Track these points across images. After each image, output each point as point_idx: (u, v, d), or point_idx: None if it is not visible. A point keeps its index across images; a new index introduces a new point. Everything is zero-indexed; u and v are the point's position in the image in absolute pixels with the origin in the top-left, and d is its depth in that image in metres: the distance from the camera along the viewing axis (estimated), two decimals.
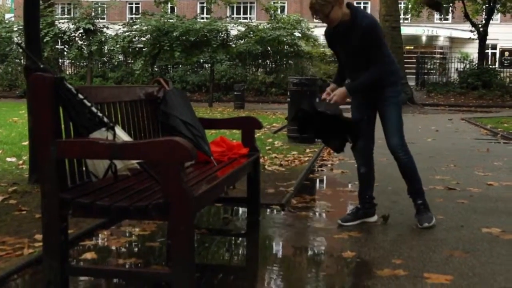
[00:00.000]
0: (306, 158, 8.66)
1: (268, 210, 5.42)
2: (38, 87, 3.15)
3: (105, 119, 3.31)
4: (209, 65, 25.30)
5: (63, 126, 3.25)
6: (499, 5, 31.72)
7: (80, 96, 3.22)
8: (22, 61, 27.65)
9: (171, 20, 24.67)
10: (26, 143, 8.25)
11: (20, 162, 7.67)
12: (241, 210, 5.44)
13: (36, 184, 5.80)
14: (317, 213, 5.50)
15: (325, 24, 4.68)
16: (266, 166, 7.69)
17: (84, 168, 3.42)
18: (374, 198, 5.02)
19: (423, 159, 8.62)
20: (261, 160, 6.74)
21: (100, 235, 4.52)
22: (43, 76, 3.15)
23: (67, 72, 32.65)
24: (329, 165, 8.41)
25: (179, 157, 2.94)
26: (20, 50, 22.40)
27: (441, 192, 6.32)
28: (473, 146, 11.12)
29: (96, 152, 3.12)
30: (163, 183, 3.02)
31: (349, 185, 6.82)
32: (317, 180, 7.50)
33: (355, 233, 4.64)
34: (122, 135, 3.38)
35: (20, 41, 25.36)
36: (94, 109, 3.28)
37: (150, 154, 3.04)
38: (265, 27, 27.56)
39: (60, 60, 31.69)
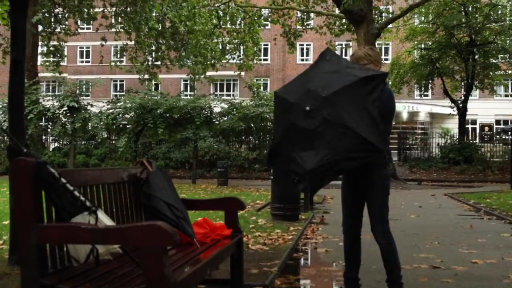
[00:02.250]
0: (290, 237, 8.60)
1: None
2: (20, 171, 3.14)
3: (88, 203, 3.30)
4: (193, 141, 25.41)
5: (45, 210, 3.23)
6: (477, 82, 32.46)
7: (63, 180, 3.22)
8: (5, 137, 27.59)
9: (155, 98, 24.92)
10: (7, 222, 8.14)
11: (0, 242, 7.54)
12: None
13: (16, 265, 5.68)
14: None
15: None
16: (249, 245, 7.62)
17: (65, 252, 3.38)
18: (359, 279, 4.98)
19: (407, 236, 8.60)
20: (245, 239, 6.69)
21: None
22: (26, 160, 3.15)
23: (50, 148, 32.60)
24: (313, 244, 8.36)
25: (161, 242, 2.92)
26: (3, 128, 22.44)
27: (425, 271, 6.28)
28: (457, 222, 11.14)
29: (78, 237, 3.09)
30: (144, 268, 2.99)
31: (334, 265, 6.76)
32: (301, 259, 7.44)
33: None
34: (105, 219, 3.36)
35: (3, 119, 25.38)
36: (76, 193, 3.27)
37: (132, 239, 3.02)
38: (248, 104, 27.88)
39: (43, 137, 31.69)
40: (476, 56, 31.39)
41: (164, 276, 2.90)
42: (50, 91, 41.52)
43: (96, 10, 20.74)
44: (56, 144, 33.69)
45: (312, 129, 4.24)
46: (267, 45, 46.78)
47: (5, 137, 27.60)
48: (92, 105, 25.80)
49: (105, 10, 20.63)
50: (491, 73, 32.34)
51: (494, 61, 32.23)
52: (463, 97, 33.07)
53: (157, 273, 2.90)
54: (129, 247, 3.47)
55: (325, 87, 4.32)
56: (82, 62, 53.67)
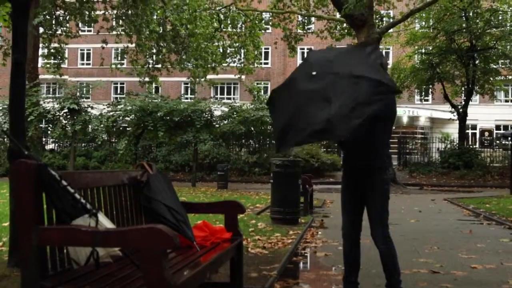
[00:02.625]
0: (290, 240, 8.60)
1: None
2: (21, 173, 3.15)
3: (88, 206, 3.31)
4: (193, 145, 25.42)
5: (45, 212, 3.24)
6: (477, 87, 32.46)
7: (64, 182, 3.22)
8: (5, 139, 27.58)
9: (155, 100, 24.92)
10: (7, 224, 8.14)
11: (0, 244, 7.54)
12: None
13: (15, 267, 5.68)
14: None
15: None
16: (249, 249, 7.62)
17: (65, 254, 3.38)
18: (358, 283, 4.98)
19: (407, 241, 8.61)
20: (244, 242, 6.69)
21: None
22: (27, 163, 3.15)
23: (51, 151, 32.59)
24: (312, 247, 8.36)
25: (161, 245, 2.93)
26: (4, 130, 22.45)
27: (425, 276, 6.28)
28: (456, 227, 11.14)
29: (78, 240, 3.10)
30: (144, 271, 2.99)
31: (333, 269, 6.76)
32: (301, 263, 7.44)
33: None
34: (105, 222, 3.36)
35: (4, 121, 25.39)
36: (77, 195, 3.28)
37: (132, 242, 3.03)
38: (249, 107, 27.88)
39: (43, 139, 31.69)
40: (477, 61, 31.40)
41: (163, 279, 2.90)
42: (51, 93, 41.52)
43: (97, 12, 20.75)
44: (51, 146, 33.65)
45: (324, 87, 4.21)
46: (267, 48, 46.82)
47: (5, 139, 27.60)
48: (92, 108, 25.83)
49: (106, 12, 20.61)
50: (491, 79, 32.34)
51: (494, 66, 32.23)
52: (463, 102, 33.07)
53: (157, 276, 2.91)
54: (129, 250, 3.47)
55: (327, 59, 4.40)
56: (82, 64, 53.69)
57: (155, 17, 21.24)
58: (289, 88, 4.47)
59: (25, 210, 3.13)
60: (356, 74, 4.17)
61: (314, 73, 4.26)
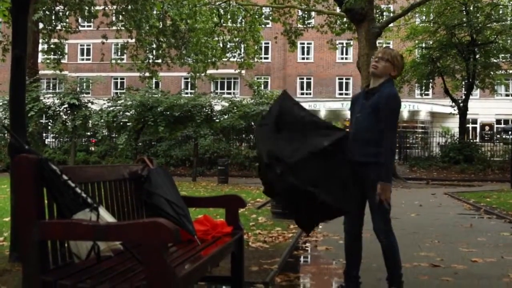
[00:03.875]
0: (290, 235, 8.61)
1: None
2: (22, 168, 3.15)
3: (89, 200, 3.31)
4: (193, 139, 25.42)
5: (46, 206, 3.24)
6: (478, 81, 32.44)
7: (65, 177, 3.23)
8: (6, 135, 27.59)
9: (155, 96, 24.93)
10: (8, 219, 8.15)
11: (1, 239, 7.56)
12: None
13: (16, 262, 5.70)
14: None
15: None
16: (250, 243, 7.64)
17: (66, 248, 3.39)
18: (359, 277, 4.98)
19: (407, 235, 8.62)
20: (245, 237, 6.70)
21: None
22: (28, 157, 3.16)
23: (51, 146, 32.61)
24: (313, 242, 8.36)
25: (163, 239, 2.94)
26: (5, 125, 22.47)
27: (425, 269, 6.29)
28: (457, 221, 11.14)
29: (79, 234, 3.10)
30: (146, 265, 3.00)
31: (334, 263, 6.77)
32: (302, 257, 7.44)
33: None
34: (106, 216, 3.37)
35: (4, 117, 25.39)
36: (78, 190, 3.28)
37: (134, 236, 3.03)
38: (249, 102, 27.89)
39: (44, 135, 31.70)
40: (477, 56, 31.37)
41: (165, 273, 2.91)
42: (51, 88, 41.59)
43: (97, 8, 20.71)
44: (48, 140, 33.63)
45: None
46: (267, 43, 46.74)
47: (6, 134, 27.61)
48: (92, 103, 25.84)
49: (106, 8, 20.57)
50: (492, 73, 32.33)
51: (495, 60, 32.21)
52: (463, 97, 33.05)
53: (158, 269, 2.91)
54: (130, 244, 3.48)
55: (290, 154, 4.48)
56: (82, 59, 53.65)
57: (155, 12, 21.19)
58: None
59: (26, 204, 3.13)
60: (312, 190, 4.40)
61: (278, 171, 4.45)
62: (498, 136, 38.38)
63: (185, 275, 3.26)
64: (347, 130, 4.85)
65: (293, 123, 4.60)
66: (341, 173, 4.50)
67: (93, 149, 32.61)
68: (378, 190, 4.62)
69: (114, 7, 20.23)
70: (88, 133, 30.83)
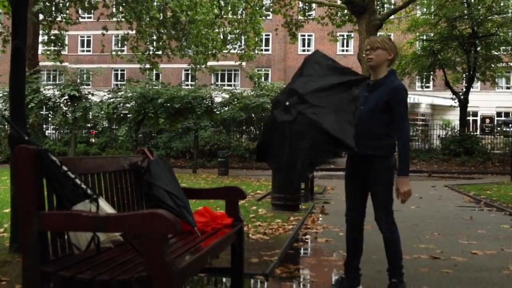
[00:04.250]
0: (290, 226, 8.61)
1: (252, 280, 5.36)
2: (22, 159, 3.14)
3: (89, 191, 3.31)
4: (193, 131, 25.41)
5: (46, 197, 3.24)
6: (478, 74, 32.40)
7: (64, 168, 3.22)
8: (6, 126, 27.60)
9: (156, 87, 24.90)
10: (8, 210, 8.16)
11: (1, 230, 7.57)
12: (224, 280, 5.38)
13: (17, 253, 5.71)
14: (301, 284, 5.44)
15: None
16: (250, 235, 7.64)
17: (66, 239, 3.39)
18: (360, 269, 4.98)
19: (407, 227, 8.63)
20: (245, 228, 6.70)
21: None
22: (28, 148, 3.15)
23: (51, 138, 32.60)
24: (313, 234, 8.37)
25: (162, 230, 2.93)
26: (5, 116, 22.46)
27: (425, 262, 6.30)
28: (457, 213, 11.15)
29: (79, 225, 3.10)
30: (146, 256, 2.99)
31: (334, 254, 6.78)
32: (302, 249, 7.45)
33: None
34: (106, 207, 3.36)
35: (4, 108, 25.38)
36: (78, 181, 3.27)
37: (133, 227, 3.03)
38: (249, 94, 27.86)
39: (44, 126, 31.68)
40: (478, 48, 31.33)
41: (165, 264, 2.91)
42: (51, 80, 41.53)
43: None
44: (48, 132, 33.61)
45: (287, 121, 4.34)
46: (268, 35, 46.65)
47: (6, 126, 27.62)
48: (93, 94, 25.81)
49: None
50: (492, 65, 32.30)
51: (496, 53, 32.18)
52: (464, 89, 33.02)
53: (158, 260, 2.91)
54: (130, 235, 3.48)
55: (304, 87, 4.41)
56: (83, 51, 53.60)
57: (155, 3, 21.19)
58: (272, 120, 4.58)
59: (26, 195, 3.13)
60: (321, 125, 4.23)
61: (287, 103, 4.36)
62: (498, 128, 38.37)
63: (185, 266, 3.26)
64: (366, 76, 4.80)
65: (314, 68, 4.58)
66: (350, 108, 4.40)
67: (93, 140, 32.60)
68: (396, 185, 4.64)
69: None
70: (89, 125, 30.79)
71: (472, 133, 34.64)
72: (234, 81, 50.41)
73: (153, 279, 2.91)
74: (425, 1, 30.78)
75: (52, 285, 3.09)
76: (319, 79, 4.47)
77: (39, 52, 27.59)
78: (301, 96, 4.33)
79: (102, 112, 25.00)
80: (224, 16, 27.66)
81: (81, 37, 52.40)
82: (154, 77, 31.84)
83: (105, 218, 3.10)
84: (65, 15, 23.14)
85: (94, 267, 3.18)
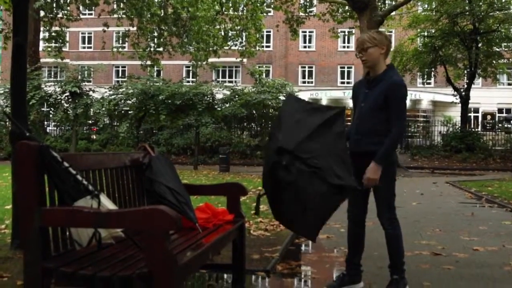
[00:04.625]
0: None
1: (253, 276, 5.36)
2: (23, 155, 3.14)
3: (90, 187, 3.30)
4: (195, 128, 25.42)
5: (47, 193, 3.24)
6: (480, 70, 32.35)
7: (65, 164, 3.22)
8: (7, 123, 27.60)
9: (157, 84, 24.90)
10: (9, 207, 8.16)
11: (3, 226, 7.57)
12: (226, 276, 5.37)
13: (18, 249, 5.71)
14: (302, 280, 5.44)
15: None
16: (251, 231, 7.64)
17: (67, 235, 3.39)
18: (361, 265, 4.98)
19: (409, 223, 8.62)
20: (247, 225, 6.70)
21: None
22: (29, 144, 3.15)
23: (52, 134, 32.61)
24: None
25: (164, 226, 2.93)
26: (7, 113, 22.47)
27: (426, 258, 6.29)
28: (458, 210, 11.14)
29: (80, 221, 3.10)
30: (147, 252, 2.99)
31: (335, 251, 6.78)
32: (303, 245, 7.45)
33: None
34: (107, 203, 3.36)
35: (6, 105, 25.39)
36: (79, 177, 3.27)
37: (135, 223, 3.03)
38: (250, 90, 27.87)
39: (45, 123, 31.71)
40: (480, 44, 31.25)
41: (166, 260, 2.91)
42: (52, 76, 41.53)
43: None
44: (49, 129, 33.63)
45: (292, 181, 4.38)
46: (269, 31, 46.52)
47: (7, 123, 27.62)
48: (94, 91, 25.84)
49: None
50: (494, 62, 32.23)
51: (497, 49, 32.10)
52: (465, 85, 32.96)
53: (160, 257, 2.91)
54: (132, 231, 3.48)
55: (289, 142, 4.41)
56: (84, 48, 53.55)
57: (156, 0, 21.16)
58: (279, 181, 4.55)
59: (28, 191, 3.13)
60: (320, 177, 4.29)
61: (284, 162, 4.35)
62: (499, 125, 38.35)
63: (186, 263, 3.25)
64: (345, 107, 4.79)
65: (292, 116, 4.59)
66: (337, 148, 4.44)
67: (94, 137, 32.63)
68: (367, 171, 4.62)
69: None
70: (90, 122, 30.85)
71: (473, 130, 34.64)
72: (235, 77, 50.37)
73: (155, 275, 2.91)
74: None
75: (53, 281, 3.09)
76: (300, 127, 4.49)
77: (40, 48, 27.61)
78: (291, 153, 4.35)
79: (103, 108, 25.02)
80: (225, 13, 27.64)
81: (82, 33, 52.33)
82: (155, 74, 31.87)
83: (106, 214, 3.10)
84: (66, 11, 23.13)
85: (95, 263, 3.18)
